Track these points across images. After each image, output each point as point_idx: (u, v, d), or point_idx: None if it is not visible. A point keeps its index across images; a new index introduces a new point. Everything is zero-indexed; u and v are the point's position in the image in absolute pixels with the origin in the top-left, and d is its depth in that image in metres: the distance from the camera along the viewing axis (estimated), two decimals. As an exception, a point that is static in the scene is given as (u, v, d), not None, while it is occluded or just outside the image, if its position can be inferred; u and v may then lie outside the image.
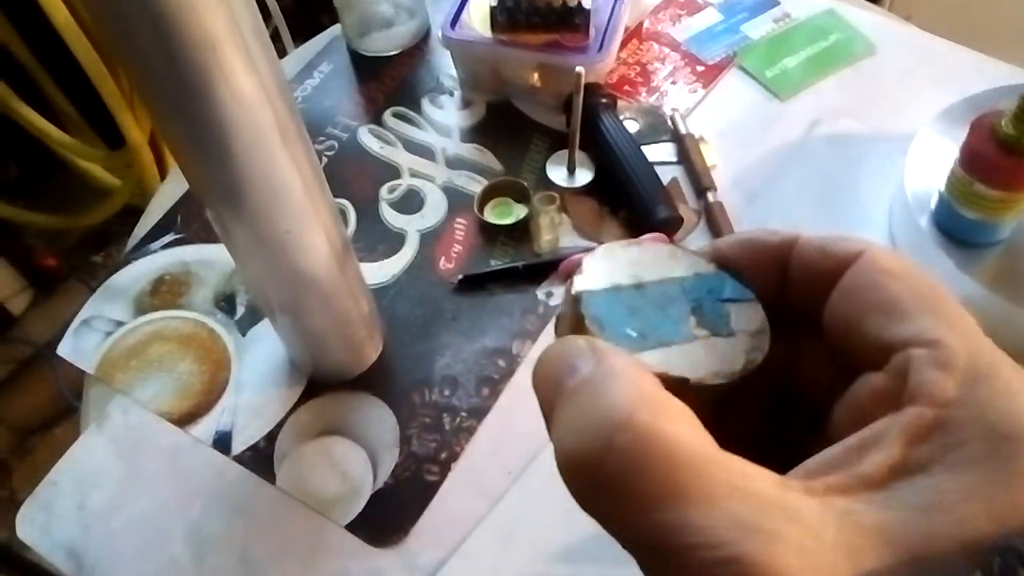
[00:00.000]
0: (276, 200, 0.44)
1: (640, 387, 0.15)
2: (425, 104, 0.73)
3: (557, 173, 0.66)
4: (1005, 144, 0.52)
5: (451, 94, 0.74)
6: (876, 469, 0.15)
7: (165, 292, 0.64)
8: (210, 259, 0.65)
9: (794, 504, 0.14)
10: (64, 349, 0.62)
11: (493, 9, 0.66)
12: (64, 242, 1.64)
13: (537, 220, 0.63)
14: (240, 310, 0.62)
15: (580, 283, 0.20)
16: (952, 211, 0.57)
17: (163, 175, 1.33)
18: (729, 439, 0.17)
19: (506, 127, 0.71)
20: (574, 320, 0.19)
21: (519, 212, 0.64)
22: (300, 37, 0.80)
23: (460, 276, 0.61)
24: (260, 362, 0.59)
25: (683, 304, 0.20)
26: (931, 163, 0.61)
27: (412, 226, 0.65)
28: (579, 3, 0.65)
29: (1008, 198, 0.54)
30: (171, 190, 0.71)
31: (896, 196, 0.62)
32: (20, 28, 1.29)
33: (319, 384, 0.58)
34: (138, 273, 0.65)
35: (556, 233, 0.62)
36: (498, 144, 0.69)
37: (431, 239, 0.64)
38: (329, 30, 0.80)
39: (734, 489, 0.14)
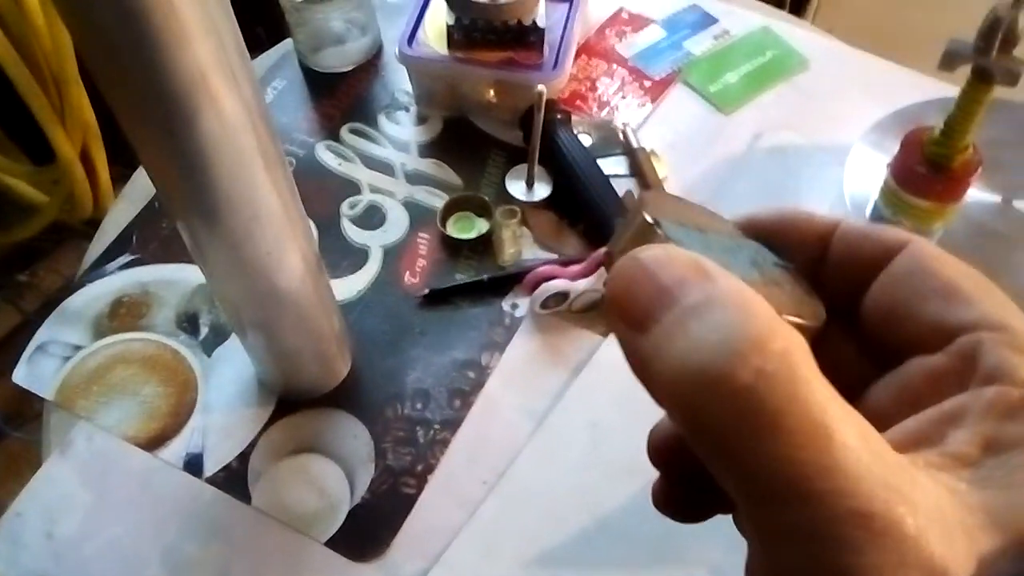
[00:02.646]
0: (258, 222, 0.44)
1: (775, 317, 0.14)
2: (382, 120, 0.74)
3: (516, 187, 0.68)
4: (933, 160, 0.56)
5: (407, 110, 0.75)
6: (967, 447, 0.15)
7: (124, 314, 0.63)
8: (169, 279, 0.65)
9: (915, 474, 0.14)
10: (19, 376, 0.60)
11: (450, 27, 0.68)
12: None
13: (499, 234, 0.64)
14: (204, 330, 0.62)
15: (652, 213, 0.18)
16: (886, 219, 0.61)
17: (95, 191, 1.29)
18: None
19: (463, 142, 0.72)
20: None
21: (481, 226, 0.66)
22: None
23: (426, 291, 0.62)
24: (228, 382, 0.59)
25: (745, 255, 0.20)
26: (866, 173, 0.65)
27: (375, 242, 0.66)
28: (534, 22, 0.67)
29: (937, 208, 0.59)
30: (125, 209, 0.69)
31: (836, 204, 0.66)
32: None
33: (290, 402, 0.58)
34: (94, 295, 0.64)
35: (519, 246, 0.64)
36: (456, 159, 0.71)
37: (395, 254, 0.65)
38: (280, 45, 0.80)
39: (869, 443, 0.13)
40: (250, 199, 0.43)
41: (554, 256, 0.65)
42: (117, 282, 0.65)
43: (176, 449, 0.56)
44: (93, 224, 1.41)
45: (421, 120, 0.74)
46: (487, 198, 0.67)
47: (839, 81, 0.75)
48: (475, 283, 0.62)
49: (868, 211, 0.64)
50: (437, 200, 0.68)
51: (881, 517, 0.13)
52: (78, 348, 0.61)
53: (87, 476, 0.55)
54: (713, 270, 0.15)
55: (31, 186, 1.34)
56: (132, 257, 0.66)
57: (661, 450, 0.21)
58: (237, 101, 0.39)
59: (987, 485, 0.14)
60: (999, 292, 0.18)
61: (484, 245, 0.65)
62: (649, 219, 0.18)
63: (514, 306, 0.62)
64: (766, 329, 0.14)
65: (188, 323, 0.62)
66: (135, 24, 0.33)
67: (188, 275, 0.64)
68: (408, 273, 0.64)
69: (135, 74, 0.35)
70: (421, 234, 0.66)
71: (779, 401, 0.13)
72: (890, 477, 0.13)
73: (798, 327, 0.16)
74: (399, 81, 0.76)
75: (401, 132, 0.73)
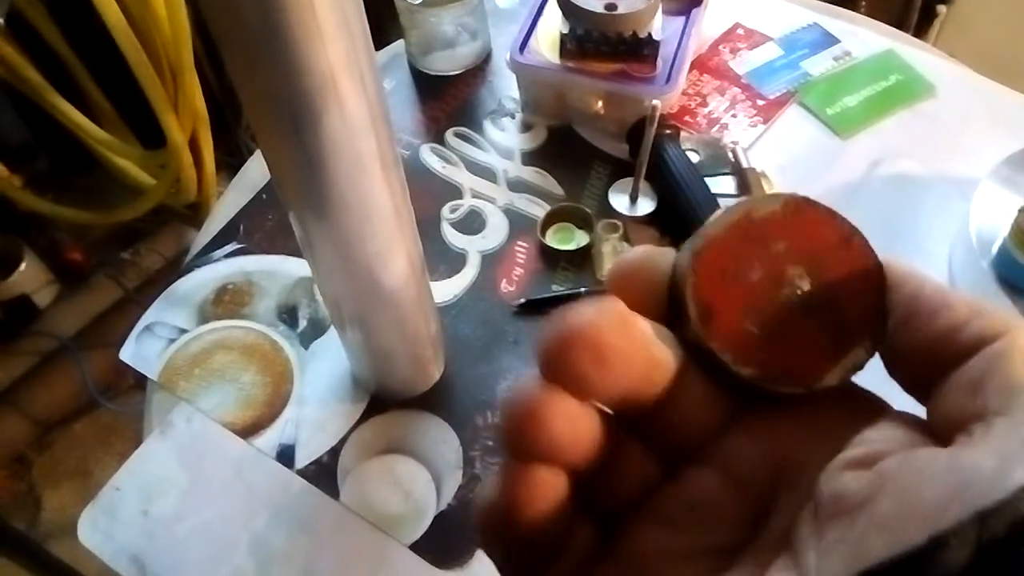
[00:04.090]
0: (369, 223, 0.44)
1: None
2: (487, 125, 0.74)
3: (619, 201, 0.67)
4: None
5: (512, 116, 0.74)
6: None
7: (228, 301, 0.64)
8: (272, 270, 0.66)
9: None
10: (126, 354, 0.62)
11: (563, 36, 0.67)
12: (90, 237, 1.64)
13: (599, 247, 0.63)
14: (302, 323, 0.63)
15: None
16: (1014, 260, 0.58)
17: (200, 177, 1.34)
18: None
19: (567, 152, 0.71)
20: None
21: (581, 238, 0.65)
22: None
23: (522, 300, 0.62)
24: (323, 376, 0.60)
25: None
26: (995, 210, 0.61)
27: (473, 247, 0.66)
28: (649, 34, 0.66)
29: (1076, 250, 0.55)
30: (233, 199, 0.71)
31: (957, 241, 0.62)
32: (61, 23, 1.30)
33: (382, 401, 0.58)
34: (201, 281, 0.66)
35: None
36: (559, 168, 0.70)
37: (492, 261, 0.65)
38: (391, 46, 0.81)
39: None
40: (365, 199, 0.43)
41: (655, 274, 0.63)
42: (223, 269, 0.66)
43: (270, 438, 0.57)
44: (194, 208, 1.47)
45: (526, 128, 0.73)
46: (589, 210, 0.66)
47: (967, 111, 0.71)
48: (572, 296, 0.62)
49: (995, 249, 0.60)
50: (538, 209, 0.68)
51: None
52: (183, 331, 0.63)
53: (184, 457, 0.57)
54: None
55: (140, 169, 1.40)
56: (238, 246, 0.68)
57: None
58: (362, 103, 0.39)
59: None
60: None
61: (583, 257, 0.64)
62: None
63: (611, 322, 0.61)
64: None
65: (287, 315, 0.63)
66: (274, 17, 0.34)
67: (290, 267, 0.66)
68: (505, 280, 0.64)
69: (268, 68, 0.36)
70: (520, 242, 0.66)
71: None
72: None
73: None
74: (506, 87, 0.76)
75: (505, 139, 0.73)
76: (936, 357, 0.16)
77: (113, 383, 1.52)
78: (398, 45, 0.80)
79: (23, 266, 1.47)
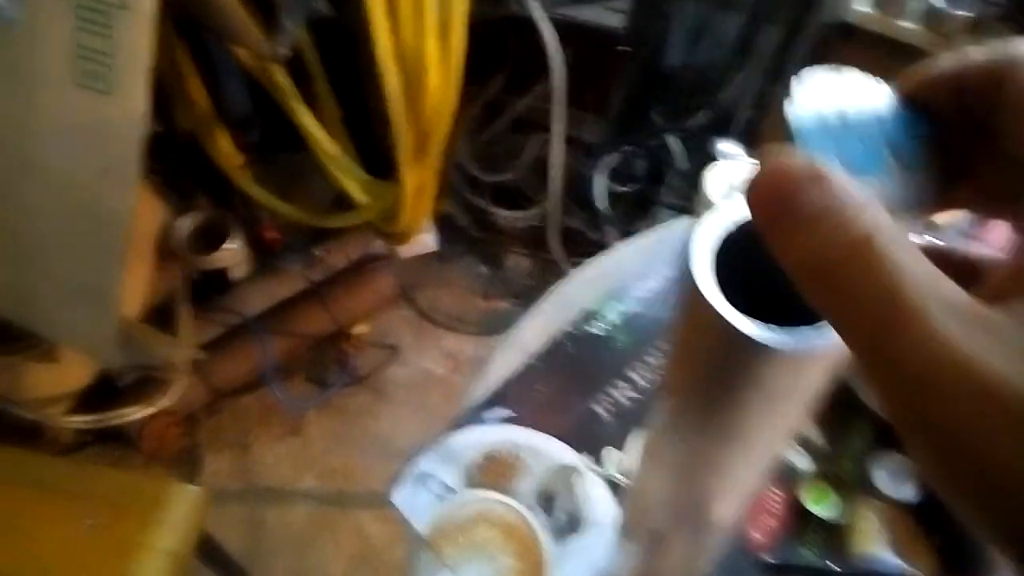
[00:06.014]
0: (745, 452, 0.46)
1: (874, 215, 0.17)
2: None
3: (882, 476, 0.68)
4: None
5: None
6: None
7: (494, 470, 0.69)
8: (538, 449, 0.70)
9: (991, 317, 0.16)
10: (399, 499, 0.68)
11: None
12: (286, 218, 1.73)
13: (854, 524, 0.65)
14: (559, 514, 0.67)
15: (792, 112, 0.22)
16: None
17: (414, 216, 1.41)
18: None
19: (833, 401, 0.73)
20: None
21: (836, 503, 0.67)
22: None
23: (771, 560, 0.64)
24: (573, 579, 0.65)
25: (880, 138, 0.22)
26: None
27: (728, 478, 0.69)
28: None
29: None
30: (505, 359, 0.76)
31: None
32: (320, 44, 1.37)
33: (624, 625, 0.62)
34: (471, 441, 0.71)
35: (873, 546, 0.65)
36: (822, 416, 0.72)
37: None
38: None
39: (946, 306, 0.16)
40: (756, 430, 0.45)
41: (905, 567, 0.65)
42: (492, 434, 0.71)
43: (520, 634, 0.62)
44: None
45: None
46: (848, 478, 0.67)
47: None
48: (823, 572, 0.64)
49: None
50: (793, 453, 0.70)
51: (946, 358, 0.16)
52: (451, 490, 0.68)
53: (443, 630, 0.62)
54: (831, 177, 0.18)
55: (361, 192, 1.48)
56: (509, 414, 0.72)
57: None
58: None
59: None
60: None
61: (835, 525, 0.66)
62: (790, 118, 0.21)
63: (852, 606, 0.63)
64: (864, 230, 0.17)
65: (546, 501, 0.68)
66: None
67: (555, 451, 0.70)
68: (754, 528, 0.66)
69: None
70: (774, 490, 0.68)
71: (864, 290, 0.17)
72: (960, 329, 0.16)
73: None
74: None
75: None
76: None
77: (283, 367, 1.63)
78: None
79: (231, 243, 1.57)
